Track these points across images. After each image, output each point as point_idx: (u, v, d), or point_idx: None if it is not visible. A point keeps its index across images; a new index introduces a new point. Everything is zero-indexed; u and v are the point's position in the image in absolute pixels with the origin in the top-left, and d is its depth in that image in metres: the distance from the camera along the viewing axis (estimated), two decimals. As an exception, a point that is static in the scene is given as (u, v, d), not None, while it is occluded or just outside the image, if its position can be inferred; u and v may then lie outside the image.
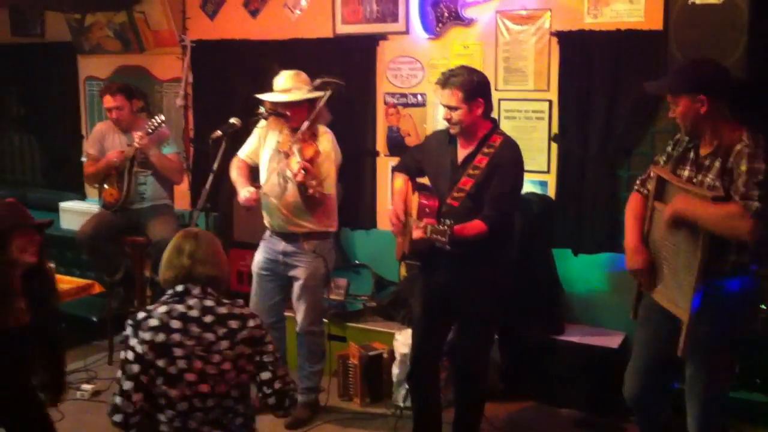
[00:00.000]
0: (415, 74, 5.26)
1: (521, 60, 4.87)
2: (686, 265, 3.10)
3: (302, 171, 3.88)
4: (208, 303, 2.74)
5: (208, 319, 2.71)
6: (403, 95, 5.32)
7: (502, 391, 4.65)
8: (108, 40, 6.47)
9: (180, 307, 2.70)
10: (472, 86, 3.61)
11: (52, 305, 3.43)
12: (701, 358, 3.18)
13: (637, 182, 3.53)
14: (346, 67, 5.40)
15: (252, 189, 4.21)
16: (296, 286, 4.30)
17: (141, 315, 2.72)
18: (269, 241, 4.36)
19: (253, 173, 4.40)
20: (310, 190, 3.91)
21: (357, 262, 5.58)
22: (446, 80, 3.62)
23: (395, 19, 5.24)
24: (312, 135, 4.14)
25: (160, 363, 2.64)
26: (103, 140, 5.42)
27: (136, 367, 2.65)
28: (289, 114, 4.14)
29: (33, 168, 7.35)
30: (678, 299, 3.15)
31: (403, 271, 5.11)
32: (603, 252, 4.68)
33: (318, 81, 4.24)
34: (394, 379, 4.66)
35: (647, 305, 3.42)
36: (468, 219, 3.55)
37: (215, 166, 4.16)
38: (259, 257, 4.41)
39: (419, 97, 5.27)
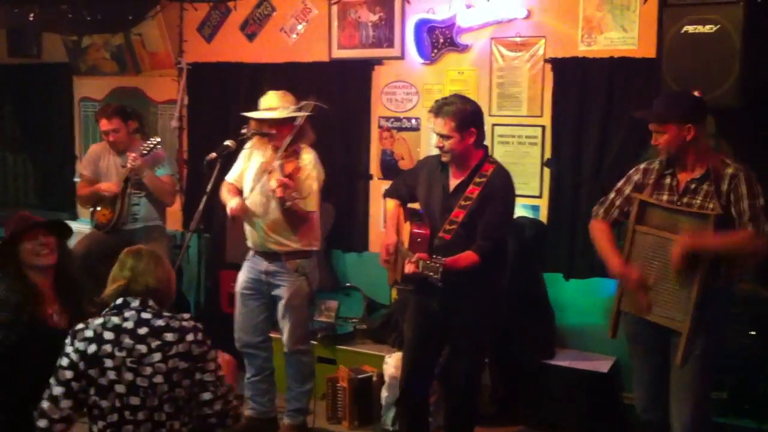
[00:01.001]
0: (409, 99, 5.29)
1: (515, 86, 4.91)
2: (681, 283, 3.24)
3: (281, 185, 3.89)
4: (145, 315, 2.74)
5: (142, 330, 2.70)
6: (398, 119, 5.35)
7: (492, 415, 4.61)
8: (104, 62, 6.50)
9: (116, 319, 2.72)
10: (465, 115, 3.63)
11: (83, 308, 3.41)
12: (695, 370, 3.29)
13: (598, 210, 3.64)
14: (341, 91, 5.45)
15: (239, 200, 4.22)
16: (280, 306, 4.29)
17: (80, 326, 2.74)
18: (252, 261, 4.35)
19: (241, 195, 4.40)
20: (288, 203, 3.92)
21: (348, 284, 5.56)
22: (439, 109, 3.64)
23: (391, 45, 5.29)
24: (294, 152, 4.16)
25: (92, 373, 2.66)
26: (98, 161, 5.41)
27: (68, 373, 2.66)
28: (274, 132, 4.16)
29: (26, 187, 7.34)
30: (675, 315, 3.29)
31: (394, 294, 5.15)
32: (594, 277, 4.68)
33: (303, 102, 4.28)
34: (383, 402, 4.63)
35: (634, 321, 3.50)
36: (461, 249, 3.56)
37: (209, 187, 4.16)
38: (242, 277, 4.40)
39: (413, 121, 5.30)
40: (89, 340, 2.68)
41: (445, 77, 5.14)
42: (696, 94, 3.65)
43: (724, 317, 3.42)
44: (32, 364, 3.10)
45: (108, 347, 2.67)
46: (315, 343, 4.97)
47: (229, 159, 4.30)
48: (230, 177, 4.38)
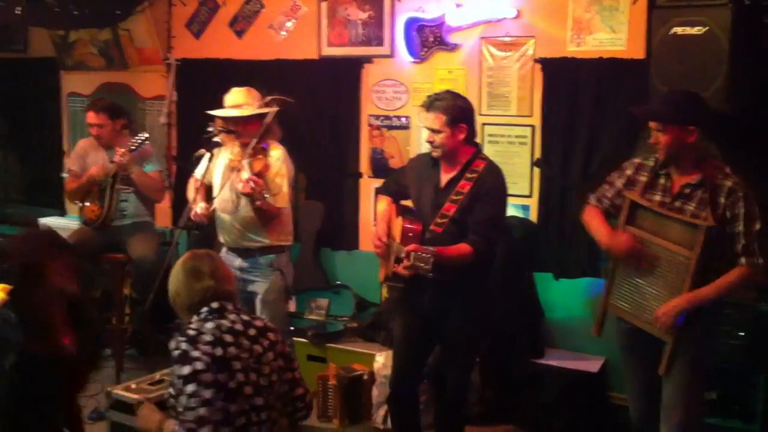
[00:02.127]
0: (399, 97, 5.30)
1: (505, 86, 4.93)
2: (670, 288, 3.19)
3: (249, 184, 3.89)
4: (245, 317, 2.79)
5: (252, 332, 2.74)
6: (388, 117, 5.36)
7: (481, 414, 4.64)
8: (92, 57, 6.46)
9: (225, 322, 2.71)
10: (456, 111, 3.64)
11: (94, 338, 3.36)
12: (684, 378, 3.26)
13: (591, 198, 3.60)
14: (330, 89, 5.45)
15: (204, 205, 4.20)
16: (257, 301, 4.28)
17: (192, 332, 2.68)
18: (225, 258, 4.33)
19: (209, 192, 4.39)
20: (258, 202, 3.93)
21: (338, 282, 5.57)
22: (431, 104, 3.64)
23: (380, 43, 5.29)
24: (262, 149, 4.16)
25: (221, 378, 2.61)
26: (85, 157, 5.39)
27: (209, 376, 2.59)
28: (240, 130, 4.15)
29: (13, 184, 7.29)
30: None
31: (384, 293, 5.16)
32: (584, 277, 4.71)
33: (268, 98, 4.26)
34: (374, 401, 4.65)
35: (627, 330, 3.48)
36: (450, 244, 3.55)
37: (198, 184, 4.16)
38: None
39: (403, 119, 5.30)
40: (212, 344, 2.64)
41: (434, 76, 5.14)
42: None
43: (714, 327, 3.39)
44: (37, 393, 2.95)
45: (233, 350, 2.66)
46: (305, 341, 4.98)
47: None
48: (198, 173, 4.37)
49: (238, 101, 4.20)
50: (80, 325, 3.19)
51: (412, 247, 3.43)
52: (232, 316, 2.75)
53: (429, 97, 3.71)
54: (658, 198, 3.32)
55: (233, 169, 4.15)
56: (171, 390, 2.67)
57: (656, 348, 3.30)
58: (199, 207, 4.19)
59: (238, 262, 4.28)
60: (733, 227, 3.13)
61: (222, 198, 4.23)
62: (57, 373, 3.02)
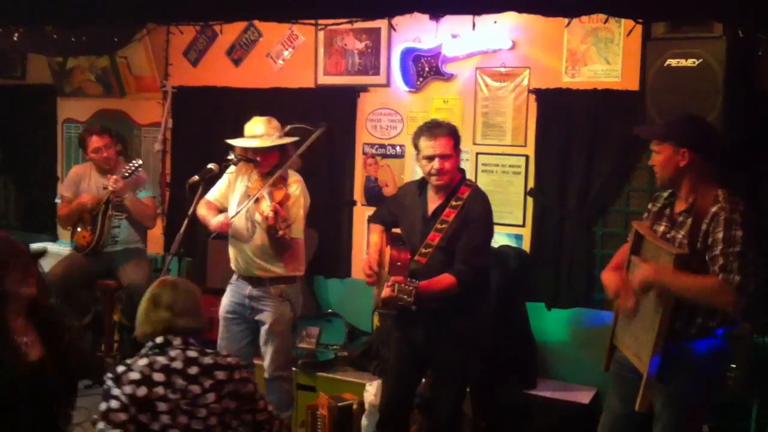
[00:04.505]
0: (394, 126, 5.31)
1: (499, 115, 4.94)
2: (651, 323, 3.08)
3: (273, 213, 3.86)
4: (191, 353, 2.63)
5: (193, 370, 2.59)
6: (382, 146, 5.37)
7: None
8: (89, 84, 6.48)
9: (162, 359, 2.59)
10: (458, 135, 3.68)
11: (66, 338, 3.20)
12: (669, 419, 3.14)
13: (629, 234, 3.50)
14: (326, 117, 5.41)
15: (224, 215, 4.19)
16: (263, 331, 4.24)
17: (120, 369, 2.59)
18: (236, 285, 4.32)
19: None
20: (280, 232, 3.89)
21: (330, 310, 5.53)
22: (435, 129, 3.62)
23: (376, 72, 5.31)
24: (282, 179, 4.15)
25: (143, 418, 2.53)
26: (79, 183, 5.39)
27: (122, 415, 2.52)
28: (259, 159, 4.14)
29: (7, 209, 7.27)
30: (641, 354, 3.14)
31: (376, 321, 5.13)
32: (577, 307, 4.69)
33: (288, 127, 4.27)
34: (363, 431, 4.59)
35: (618, 362, 3.40)
36: (438, 273, 3.55)
37: (190, 211, 4.14)
38: (225, 301, 4.36)
39: (398, 148, 5.31)
40: (137, 383, 2.54)
41: (430, 105, 5.16)
42: None
43: (710, 373, 3.15)
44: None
45: (160, 389, 2.54)
46: (296, 369, 4.93)
47: (211, 182, 4.29)
48: (211, 196, 4.35)
49: (259, 131, 4.17)
50: (51, 340, 3.08)
51: (396, 278, 3.41)
52: (175, 353, 2.61)
53: (427, 125, 3.69)
54: (662, 228, 3.24)
55: (251, 197, 4.11)
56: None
57: (639, 385, 3.12)
58: (218, 217, 4.18)
59: (248, 290, 4.23)
60: (711, 252, 2.96)
61: (237, 225, 4.19)
62: (19, 381, 2.90)
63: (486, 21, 4.58)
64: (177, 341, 2.65)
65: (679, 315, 3.03)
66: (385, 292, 3.45)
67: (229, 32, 5.80)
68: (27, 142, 6.95)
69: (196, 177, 4.17)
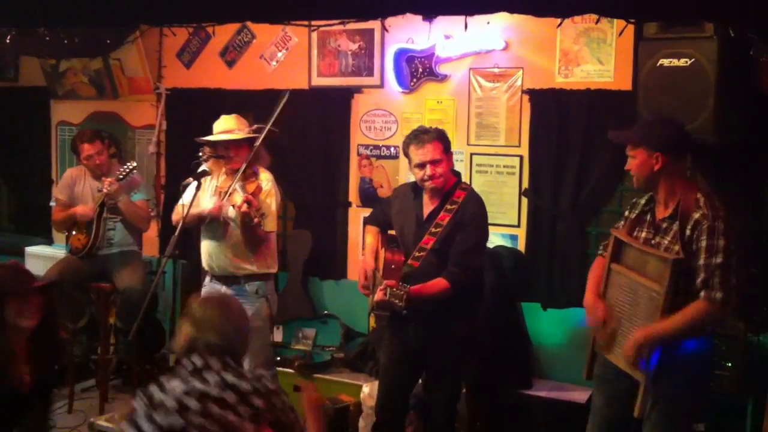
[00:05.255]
0: (388, 127, 5.31)
1: (493, 116, 4.95)
2: (645, 324, 3.11)
3: (246, 203, 3.90)
4: (231, 379, 2.47)
5: (231, 398, 2.43)
6: (377, 147, 5.37)
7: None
8: (82, 86, 6.47)
9: (199, 385, 2.43)
10: (447, 139, 3.67)
11: (54, 371, 3.23)
12: (660, 419, 3.16)
13: (601, 247, 3.57)
14: (321, 119, 5.47)
15: (213, 200, 4.23)
16: None
17: (157, 394, 2.43)
18: (210, 286, 4.35)
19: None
20: (255, 220, 3.94)
21: (325, 312, 5.53)
22: (422, 136, 3.62)
23: (370, 73, 5.32)
24: (253, 174, 4.19)
25: None
26: (73, 186, 5.38)
27: None
28: (232, 155, 4.20)
29: (0, 211, 7.26)
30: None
31: (372, 323, 5.13)
32: (572, 307, 4.70)
33: (255, 126, 4.33)
34: (360, 432, 4.60)
35: (603, 364, 3.41)
36: (432, 277, 3.55)
37: (185, 213, 4.15)
38: None
39: (392, 149, 5.31)
40: (170, 413, 2.39)
41: (424, 106, 5.17)
42: None
43: (699, 372, 3.22)
44: None
45: (195, 418, 2.39)
46: (292, 371, 4.94)
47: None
48: (185, 200, 4.36)
49: (229, 127, 4.28)
50: (40, 356, 3.09)
51: (388, 282, 3.43)
52: (213, 378, 2.46)
53: (414, 134, 3.69)
54: (643, 234, 3.27)
55: (223, 194, 4.16)
56: None
57: (626, 386, 3.20)
58: (211, 203, 4.21)
59: (223, 289, 4.26)
60: (695, 260, 3.01)
61: (211, 225, 4.23)
62: (11, 409, 2.91)
63: (479, 22, 4.58)
64: (216, 363, 2.50)
65: (668, 317, 3.06)
66: (378, 295, 3.46)
67: (223, 34, 5.79)
68: (21, 144, 6.93)
69: (191, 178, 4.19)
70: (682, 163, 3.26)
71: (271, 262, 4.33)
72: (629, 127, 3.43)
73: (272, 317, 4.41)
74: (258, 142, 4.18)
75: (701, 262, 2.99)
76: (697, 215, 3.05)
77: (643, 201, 3.35)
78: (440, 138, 3.64)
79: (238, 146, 4.21)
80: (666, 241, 3.13)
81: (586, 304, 3.42)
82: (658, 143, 3.14)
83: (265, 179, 4.25)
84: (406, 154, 3.72)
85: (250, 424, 2.45)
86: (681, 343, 3.10)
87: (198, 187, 4.25)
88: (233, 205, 4.04)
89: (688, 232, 3.05)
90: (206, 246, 4.29)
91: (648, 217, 3.28)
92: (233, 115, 4.35)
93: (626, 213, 3.44)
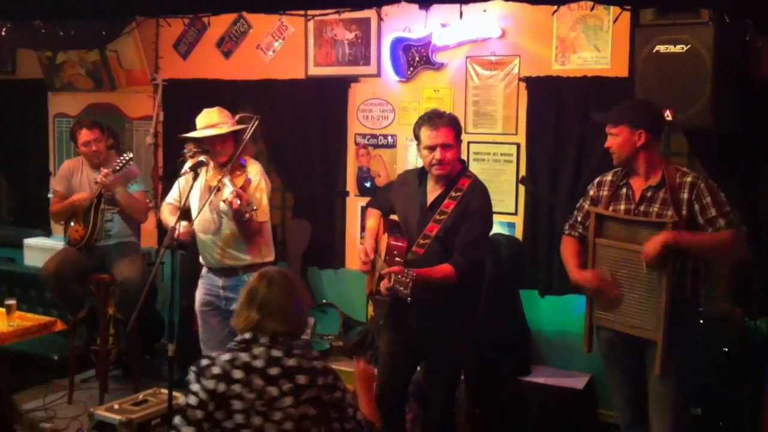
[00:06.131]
0: (386, 116, 5.31)
1: (490, 104, 4.95)
2: (649, 291, 3.27)
3: (236, 198, 3.88)
4: (275, 353, 2.55)
5: (273, 371, 2.51)
6: (374, 136, 5.37)
7: (468, 433, 4.61)
8: (79, 78, 6.47)
9: (244, 356, 2.53)
10: (459, 126, 3.67)
11: None
12: (672, 376, 3.29)
13: (566, 227, 3.72)
14: (318, 108, 5.46)
15: (186, 224, 4.15)
16: None
17: (204, 362, 2.55)
18: (207, 278, 4.34)
19: (185, 216, 4.33)
20: (247, 215, 3.92)
21: (324, 301, 5.54)
22: (436, 120, 3.60)
23: (367, 62, 5.31)
24: (240, 166, 4.19)
25: (218, 415, 2.48)
26: (71, 177, 5.37)
27: (199, 413, 2.48)
28: (218, 149, 4.16)
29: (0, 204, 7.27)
30: (645, 324, 3.31)
31: (370, 311, 5.14)
32: (570, 294, 4.70)
33: (238, 116, 4.31)
34: (360, 420, 4.61)
35: (608, 342, 3.53)
36: (435, 265, 3.54)
37: (182, 203, 4.14)
38: (199, 295, 4.38)
39: (390, 138, 5.31)
40: (218, 378, 2.49)
41: (421, 95, 5.17)
42: (668, 113, 3.76)
43: (696, 330, 3.44)
44: None
45: (237, 387, 2.48)
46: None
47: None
48: (170, 198, 4.38)
49: (212, 121, 4.21)
50: None
51: (393, 269, 3.41)
52: (258, 350, 2.54)
53: (428, 116, 3.66)
54: (623, 207, 3.43)
55: (212, 189, 4.14)
56: None
57: (637, 354, 3.39)
58: (181, 227, 4.14)
59: (220, 281, 4.26)
60: (705, 215, 3.22)
61: (202, 219, 4.21)
62: None
63: (475, 10, 4.57)
64: (264, 338, 2.56)
65: (672, 281, 3.23)
66: (383, 283, 3.45)
67: (219, 24, 5.79)
68: (18, 137, 6.95)
69: (188, 169, 4.18)
70: (659, 141, 3.50)
71: (265, 251, 4.32)
72: (596, 113, 3.64)
73: None
74: (246, 135, 4.15)
75: (714, 212, 3.21)
76: (689, 179, 3.28)
77: (610, 178, 3.53)
78: (454, 124, 3.63)
79: (223, 140, 4.17)
80: (655, 209, 3.31)
81: (573, 277, 3.53)
82: (641, 121, 3.35)
83: (253, 172, 4.22)
84: (416, 136, 3.67)
85: (289, 398, 2.51)
86: (686, 304, 3.28)
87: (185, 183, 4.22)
88: (223, 200, 4.01)
89: (685, 195, 3.26)
90: (201, 240, 4.29)
91: (624, 191, 3.44)
92: (215, 108, 4.28)
93: (591, 192, 3.59)
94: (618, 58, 4.51)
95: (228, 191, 3.98)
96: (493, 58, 4.91)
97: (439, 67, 5.08)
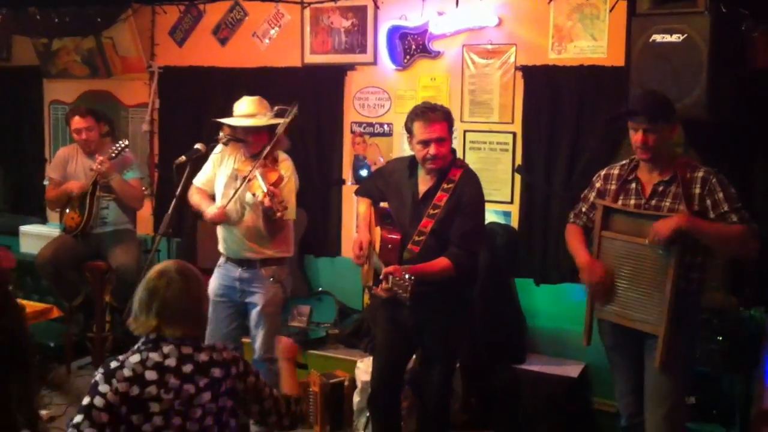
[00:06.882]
0: (382, 104, 5.31)
1: (487, 93, 4.95)
2: (654, 284, 3.26)
3: (269, 197, 3.79)
4: (186, 350, 2.49)
5: (187, 368, 2.45)
6: (370, 125, 5.37)
7: (465, 422, 4.63)
8: (75, 65, 6.45)
9: (155, 356, 2.45)
10: (452, 118, 3.64)
11: (21, 337, 3.06)
12: (673, 371, 3.29)
13: (571, 216, 3.70)
14: (314, 96, 5.45)
15: (219, 205, 4.14)
16: (254, 313, 4.21)
17: (113, 364, 2.44)
18: (224, 268, 4.26)
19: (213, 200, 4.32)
20: (278, 214, 3.84)
21: (320, 289, 5.55)
22: (430, 114, 3.55)
23: (363, 51, 5.30)
24: (273, 160, 4.10)
25: (134, 419, 2.39)
26: (66, 165, 5.36)
27: (105, 416, 2.38)
28: (251, 140, 4.08)
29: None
30: (649, 318, 3.30)
31: (366, 299, 5.15)
32: (565, 282, 4.72)
33: (276, 108, 4.19)
34: (355, 407, 4.63)
35: (611, 333, 3.52)
36: (432, 259, 3.53)
37: (178, 191, 4.12)
38: (214, 284, 4.29)
39: (386, 126, 5.31)
40: (130, 381, 2.39)
41: (417, 83, 5.16)
42: None
43: (697, 323, 3.46)
44: None
45: (153, 389, 2.40)
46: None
47: (198, 162, 4.24)
48: (198, 181, 4.30)
49: (251, 111, 4.11)
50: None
51: (390, 269, 3.39)
52: (168, 348, 2.46)
53: (421, 109, 3.60)
54: (632, 201, 3.40)
55: (241, 178, 4.04)
56: None
57: (639, 343, 3.40)
58: (213, 208, 4.11)
59: (238, 272, 4.18)
60: (717, 210, 3.20)
61: (227, 207, 4.10)
62: None
63: (471, -2, 4.57)
64: (170, 337, 2.51)
65: (679, 274, 3.22)
66: (381, 285, 3.44)
67: (215, 12, 5.78)
68: (14, 124, 6.93)
69: (183, 157, 4.14)
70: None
71: (287, 246, 4.25)
72: (622, 104, 3.60)
73: (286, 302, 4.35)
74: (280, 129, 4.04)
75: (726, 207, 3.20)
76: (700, 173, 3.27)
77: (617, 171, 3.51)
78: (447, 117, 3.59)
79: (258, 132, 4.07)
80: (667, 203, 3.29)
81: (582, 263, 3.48)
82: (672, 116, 3.33)
83: (285, 167, 4.12)
84: (409, 129, 3.62)
85: (207, 393, 2.48)
86: (691, 297, 3.30)
87: (203, 160, 4.15)
88: (253, 193, 3.93)
89: (697, 190, 3.24)
90: (222, 229, 4.22)
91: (633, 185, 3.41)
92: (255, 98, 4.15)
93: (598, 184, 3.57)
94: (614, 47, 4.51)
95: (258, 186, 3.87)
96: (489, 46, 4.90)
97: (435, 55, 5.07)
